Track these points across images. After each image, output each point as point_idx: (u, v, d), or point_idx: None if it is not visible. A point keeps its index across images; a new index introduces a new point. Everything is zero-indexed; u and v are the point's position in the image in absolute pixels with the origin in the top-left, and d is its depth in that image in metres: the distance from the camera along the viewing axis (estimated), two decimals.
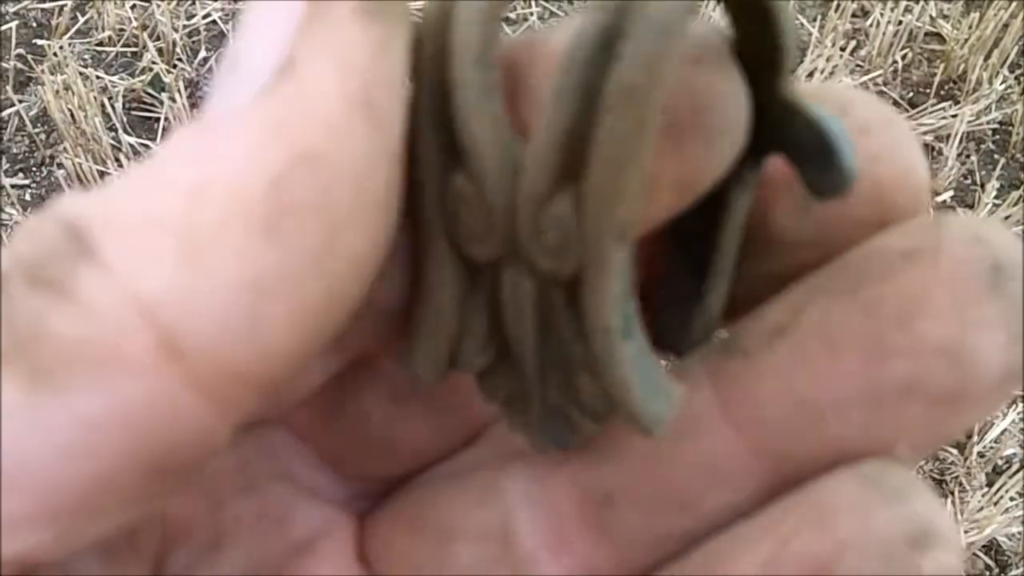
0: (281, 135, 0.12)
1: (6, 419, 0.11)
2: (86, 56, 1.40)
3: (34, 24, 1.44)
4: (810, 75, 1.37)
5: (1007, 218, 1.24)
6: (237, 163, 0.12)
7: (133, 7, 1.43)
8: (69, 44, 1.39)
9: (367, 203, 0.12)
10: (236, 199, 0.11)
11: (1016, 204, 1.25)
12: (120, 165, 1.24)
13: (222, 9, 1.46)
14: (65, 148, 1.27)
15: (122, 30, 1.42)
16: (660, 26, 0.11)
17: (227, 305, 0.11)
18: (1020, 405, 1.11)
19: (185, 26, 1.43)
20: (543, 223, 0.13)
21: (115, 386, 0.11)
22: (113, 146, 1.28)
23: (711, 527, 0.15)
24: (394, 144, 0.13)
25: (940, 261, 0.13)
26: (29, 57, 1.39)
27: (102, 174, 1.26)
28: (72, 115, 1.27)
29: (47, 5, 1.45)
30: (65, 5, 1.44)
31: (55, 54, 1.36)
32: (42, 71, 1.35)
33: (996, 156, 1.35)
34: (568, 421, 0.15)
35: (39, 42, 1.41)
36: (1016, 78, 1.41)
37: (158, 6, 1.42)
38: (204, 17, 1.45)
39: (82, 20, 1.43)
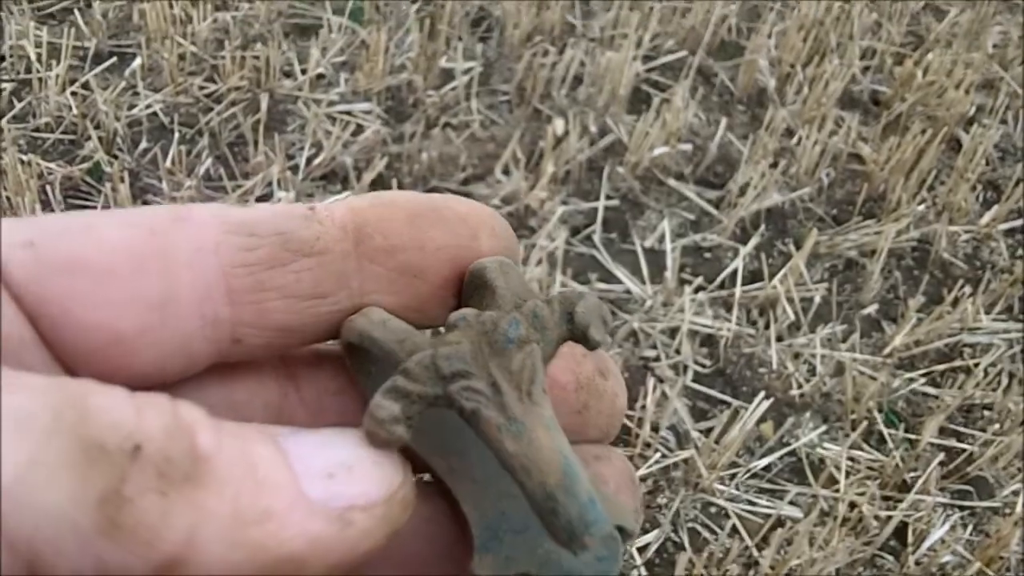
0: None
1: None
2: (21, 141, 1.37)
3: None
4: (743, 190, 1.43)
5: (930, 332, 1.31)
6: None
7: (74, 95, 1.42)
8: (7, 129, 1.36)
9: None
10: None
11: (939, 319, 1.31)
12: None
13: (163, 101, 1.45)
14: None
15: (60, 117, 1.40)
16: None
17: None
18: (957, 512, 1.15)
19: (127, 116, 1.41)
20: None
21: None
22: None
23: None
24: None
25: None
26: None
27: None
28: (9, 201, 1.24)
29: None
30: (3, 89, 1.41)
31: None
32: None
33: (916, 272, 1.42)
34: None
35: None
36: (933, 199, 1.50)
37: (100, 95, 1.40)
38: (146, 108, 1.44)
39: (19, 106, 1.41)
